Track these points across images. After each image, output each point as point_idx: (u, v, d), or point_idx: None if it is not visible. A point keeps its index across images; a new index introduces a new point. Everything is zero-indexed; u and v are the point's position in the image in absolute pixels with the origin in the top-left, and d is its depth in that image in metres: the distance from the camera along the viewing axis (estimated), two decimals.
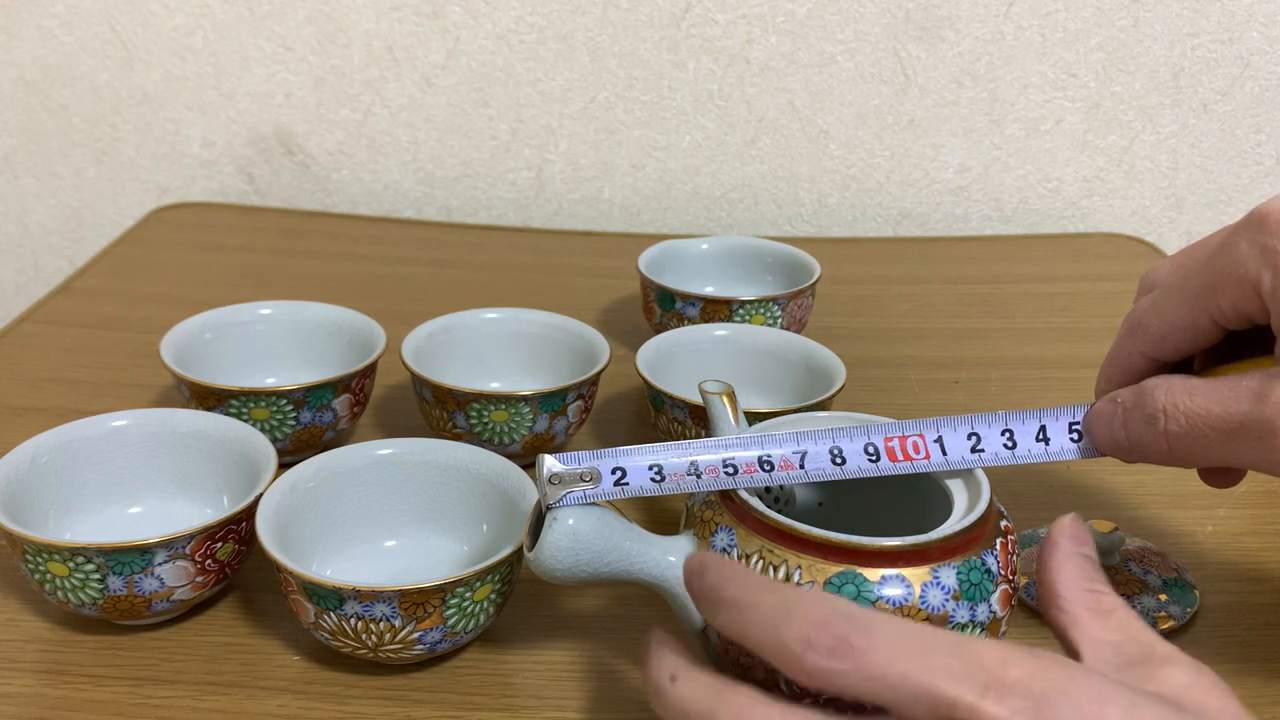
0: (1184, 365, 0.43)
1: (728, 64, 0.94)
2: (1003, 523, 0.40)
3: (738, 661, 0.39)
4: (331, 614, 0.42)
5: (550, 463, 0.40)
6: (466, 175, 0.98)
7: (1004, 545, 0.39)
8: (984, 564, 0.38)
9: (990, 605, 0.38)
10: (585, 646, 0.48)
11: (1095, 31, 0.94)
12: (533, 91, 0.95)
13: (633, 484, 0.40)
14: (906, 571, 0.37)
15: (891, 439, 0.41)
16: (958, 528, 0.38)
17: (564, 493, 0.40)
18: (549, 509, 0.40)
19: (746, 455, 0.40)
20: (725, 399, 0.47)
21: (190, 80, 0.95)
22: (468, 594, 0.43)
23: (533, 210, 0.99)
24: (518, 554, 0.45)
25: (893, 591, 0.37)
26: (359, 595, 0.42)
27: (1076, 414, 0.42)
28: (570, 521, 0.39)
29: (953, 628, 0.37)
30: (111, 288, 0.81)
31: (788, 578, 0.38)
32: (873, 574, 0.37)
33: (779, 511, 0.42)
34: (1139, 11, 0.93)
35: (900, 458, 0.41)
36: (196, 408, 0.56)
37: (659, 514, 0.57)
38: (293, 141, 0.97)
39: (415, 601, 0.42)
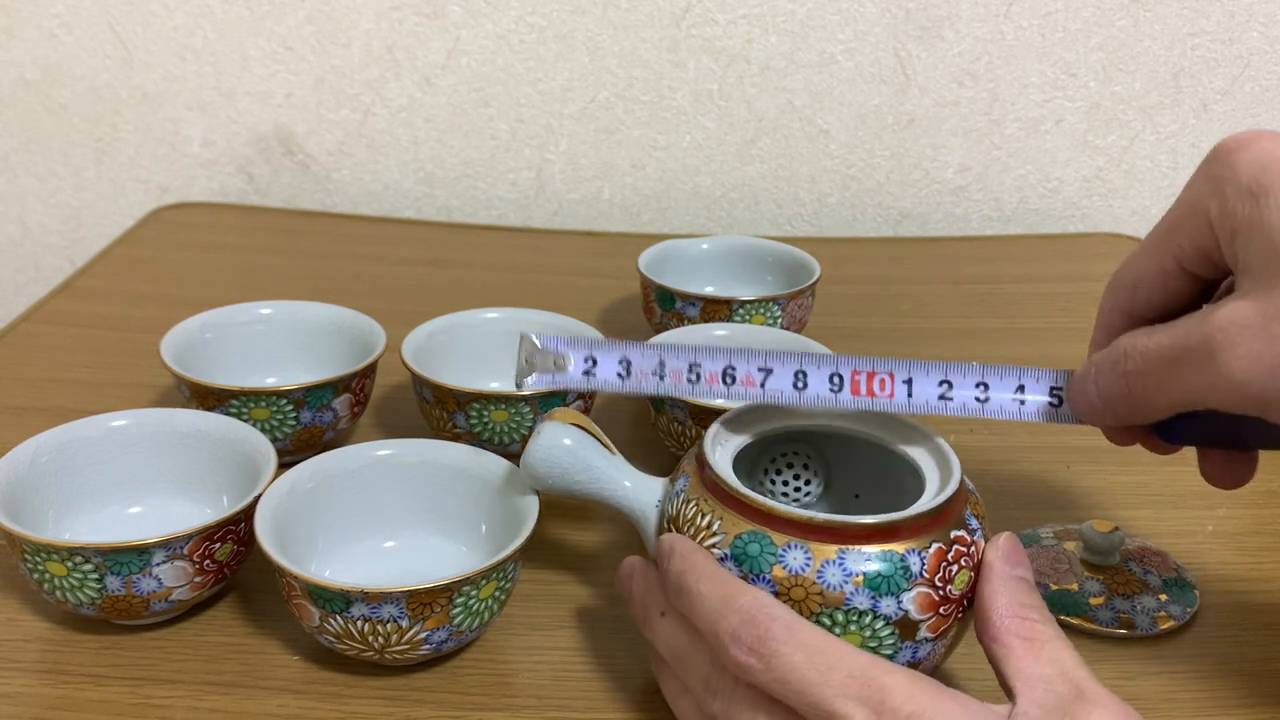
0: None
1: (728, 64, 0.94)
2: (957, 532, 0.39)
3: None
4: (337, 617, 0.42)
5: (530, 341, 0.43)
6: (466, 175, 0.98)
7: (941, 551, 0.39)
8: (902, 560, 0.38)
9: (901, 603, 0.38)
10: (585, 646, 0.48)
11: (1095, 31, 0.94)
12: (533, 91, 0.95)
13: (599, 376, 0.42)
14: (812, 545, 0.38)
15: (859, 373, 0.42)
16: (877, 519, 0.38)
17: (533, 374, 0.42)
18: (519, 386, 0.43)
19: (712, 365, 0.42)
20: None
21: (190, 80, 0.95)
22: (474, 592, 0.43)
23: (533, 210, 0.99)
24: (521, 552, 0.45)
25: (793, 560, 0.38)
26: (367, 597, 0.41)
27: (1058, 378, 0.42)
28: (548, 438, 0.45)
29: (848, 611, 0.38)
30: (111, 288, 0.81)
31: (709, 526, 0.40)
32: (780, 539, 0.38)
33: (805, 496, 0.46)
34: (1139, 11, 0.93)
35: (864, 393, 0.42)
36: (196, 408, 0.56)
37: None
38: (293, 141, 0.97)
39: (423, 602, 0.42)
